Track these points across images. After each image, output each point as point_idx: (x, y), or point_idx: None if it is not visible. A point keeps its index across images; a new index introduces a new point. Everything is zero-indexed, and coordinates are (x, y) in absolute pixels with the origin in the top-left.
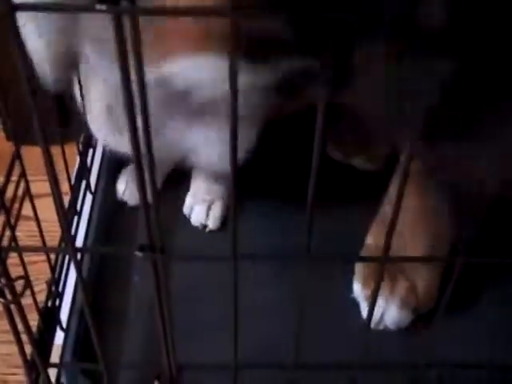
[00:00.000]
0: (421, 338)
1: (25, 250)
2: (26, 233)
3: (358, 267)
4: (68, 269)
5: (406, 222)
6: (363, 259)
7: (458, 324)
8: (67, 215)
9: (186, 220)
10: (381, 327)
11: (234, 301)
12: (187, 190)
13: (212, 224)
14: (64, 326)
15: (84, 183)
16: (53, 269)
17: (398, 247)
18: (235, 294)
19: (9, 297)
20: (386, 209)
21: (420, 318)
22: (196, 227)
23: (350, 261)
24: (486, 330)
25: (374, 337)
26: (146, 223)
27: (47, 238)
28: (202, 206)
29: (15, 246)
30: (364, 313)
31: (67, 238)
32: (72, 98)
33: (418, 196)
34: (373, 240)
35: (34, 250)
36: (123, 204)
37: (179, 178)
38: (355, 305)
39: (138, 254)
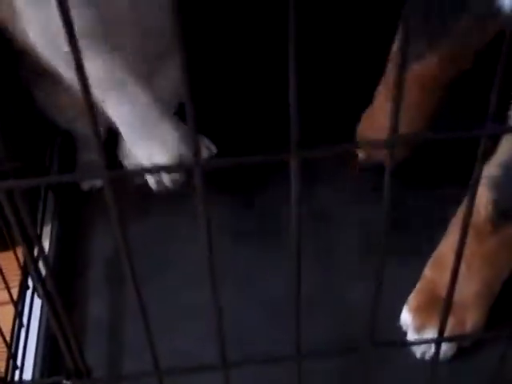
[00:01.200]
0: None
1: None
2: None
3: (411, 297)
4: None
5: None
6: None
7: None
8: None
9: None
10: (426, 357)
11: None
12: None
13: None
14: None
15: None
16: None
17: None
18: None
19: None
20: (443, 249)
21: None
22: None
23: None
24: None
25: None
26: (65, 349)
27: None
28: None
29: None
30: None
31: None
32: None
33: (475, 241)
34: (430, 273)
35: None
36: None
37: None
38: None
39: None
